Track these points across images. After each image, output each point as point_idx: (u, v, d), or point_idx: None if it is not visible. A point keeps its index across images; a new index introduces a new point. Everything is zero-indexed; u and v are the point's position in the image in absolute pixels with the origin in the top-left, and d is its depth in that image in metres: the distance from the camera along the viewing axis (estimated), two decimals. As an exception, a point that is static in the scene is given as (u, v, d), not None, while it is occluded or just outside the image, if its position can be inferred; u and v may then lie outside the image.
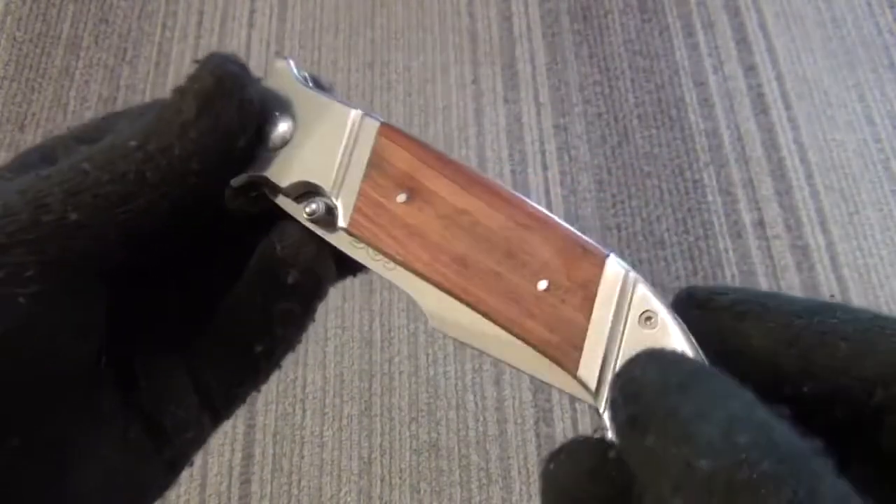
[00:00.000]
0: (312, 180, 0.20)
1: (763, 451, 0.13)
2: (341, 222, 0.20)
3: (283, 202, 0.21)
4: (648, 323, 0.18)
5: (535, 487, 0.69)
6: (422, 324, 0.75)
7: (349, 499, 0.69)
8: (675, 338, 0.18)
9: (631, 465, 0.16)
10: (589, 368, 0.18)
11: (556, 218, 0.20)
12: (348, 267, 0.22)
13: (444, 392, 0.73)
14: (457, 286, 0.19)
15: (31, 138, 0.87)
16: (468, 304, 0.19)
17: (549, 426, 0.71)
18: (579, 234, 0.19)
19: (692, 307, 0.19)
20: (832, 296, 0.76)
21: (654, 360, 0.16)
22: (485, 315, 0.19)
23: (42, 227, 0.17)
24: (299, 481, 0.70)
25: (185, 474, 0.71)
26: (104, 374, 0.19)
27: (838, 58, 0.89)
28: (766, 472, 0.13)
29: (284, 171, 0.20)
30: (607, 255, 0.19)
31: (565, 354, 0.18)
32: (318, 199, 0.21)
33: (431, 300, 0.20)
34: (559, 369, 0.19)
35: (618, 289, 0.18)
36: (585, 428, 0.71)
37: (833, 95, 0.87)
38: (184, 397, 0.21)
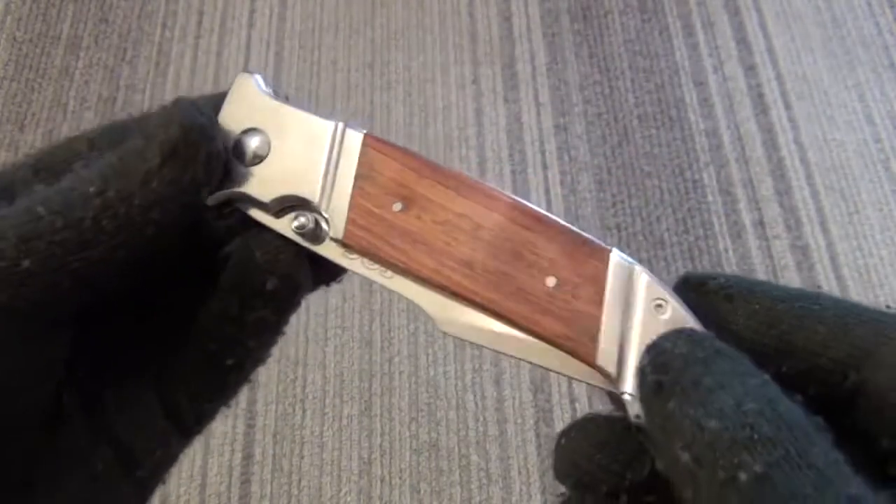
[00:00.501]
0: (297, 193, 0.20)
1: (766, 418, 0.15)
2: (336, 234, 0.20)
3: (262, 217, 0.21)
4: (660, 310, 0.19)
5: (535, 487, 0.69)
6: (422, 324, 0.75)
7: (349, 499, 0.69)
8: (687, 322, 0.19)
9: (650, 428, 0.17)
10: (607, 357, 0.19)
11: (554, 217, 0.20)
12: (325, 275, 0.22)
13: (444, 392, 0.73)
14: (466, 289, 0.20)
15: (31, 138, 0.87)
16: (478, 306, 0.20)
17: (549, 426, 0.71)
18: (579, 231, 0.20)
19: (688, 291, 0.20)
20: (818, 286, 0.76)
21: (684, 336, 0.18)
22: (496, 315, 0.19)
23: None
24: (299, 481, 0.70)
25: (185, 474, 0.71)
26: (68, 404, 0.19)
27: (838, 58, 0.89)
28: (765, 434, 0.14)
29: (266, 187, 0.20)
30: (610, 250, 0.19)
31: (582, 346, 0.19)
32: (304, 212, 0.20)
33: (436, 305, 0.20)
34: (575, 361, 0.19)
35: (625, 280, 0.19)
36: (585, 428, 0.71)
37: (833, 95, 0.87)
38: (152, 420, 0.21)
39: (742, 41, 0.90)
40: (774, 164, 0.83)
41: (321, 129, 0.20)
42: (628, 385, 0.19)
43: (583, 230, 0.20)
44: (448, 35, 0.92)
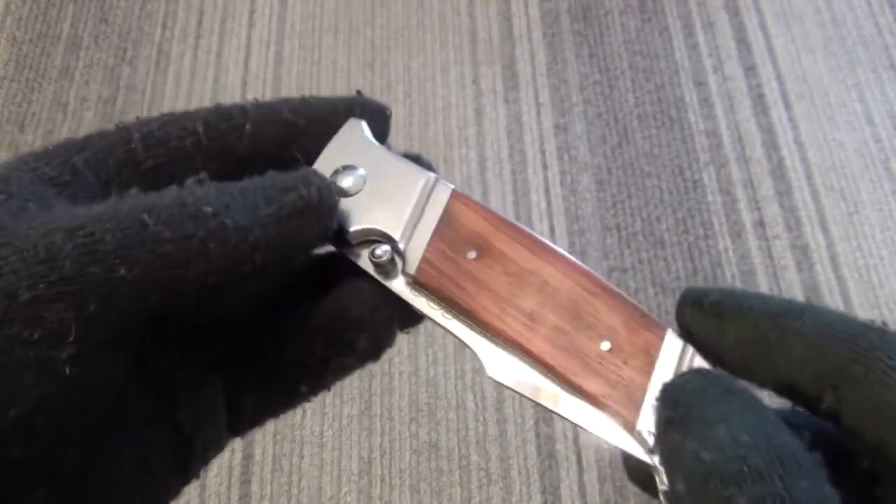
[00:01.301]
0: (381, 228, 0.21)
1: (759, 451, 0.15)
2: (409, 269, 0.21)
3: (344, 246, 0.22)
4: None
5: (535, 487, 0.69)
6: (422, 324, 0.75)
7: (349, 499, 0.69)
8: None
9: (661, 459, 0.18)
10: (647, 425, 0.20)
11: (620, 291, 0.21)
12: (404, 321, 0.23)
13: (444, 392, 0.73)
14: (522, 337, 0.21)
15: (31, 138, 0.87)
16: (530, 356, 0.20)
17: (548, 426, 0.71)
18: (642, 307, 0.21)
19: (685, 306, 0.20)
20: (818, 286, 0.76)
21: (697, 375, 0.18)
22: (545, 367, 0.20)
23: (87, 278, 0.15)
24: (299, 481, 0.70)
25: (185, 474, 0.71)
26: (133, 390, 0.19)
27: (838, 58, 0.89)
28: (755, 467, 0.15)
29: (353, 218, 0.21)
30: (666, 329, 0.20)
31: (626, 411, 0.20)
32: (384, 245, 0.21)
33: (489, 352, 0.21)
34: (613, 424, 0.20)
35: (676, 358, 0.20)
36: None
37: (833, 95, 0.87)
38: (216, 415, 0.21)
39: (742, 41, 0.90)
40: (774, 164, 0.83)
41: (416, 177, 0.22)
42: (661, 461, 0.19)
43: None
44: (448, 35, 0.92)
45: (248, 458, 0.71)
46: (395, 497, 0.69)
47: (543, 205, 0.81)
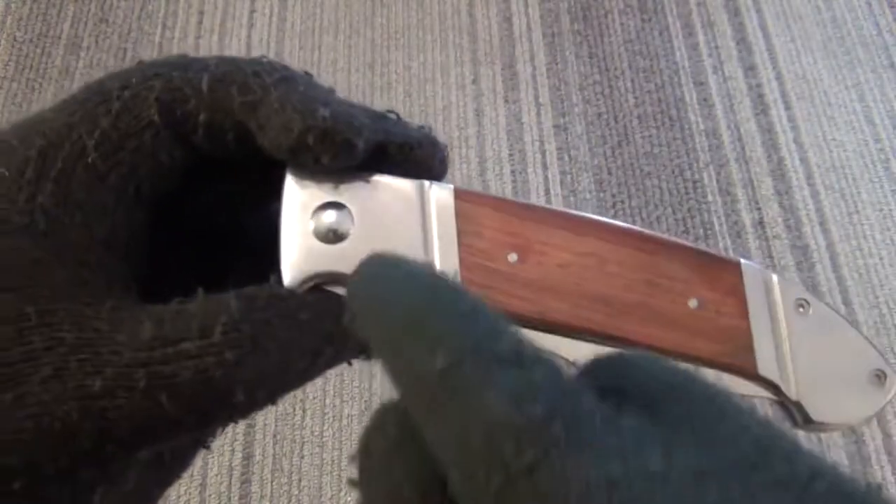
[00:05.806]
0: None
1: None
2: None
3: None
4: (802, 309, 0.19)
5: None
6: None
7: (349, 499, 0.69)
8: (834, 319, 0.19)
9: None
10: (767, 366, 0.19)
11: (674, 238, 0.20)
12: None
13: (444, 392, 0.73)
14: (608, 326, 0.19)
15: (31, 138, 0.87)
16: (624, 342, 0.19)
17: (549, 426, 0.71)
18: (703, 247, 0.20)
19: None
20: (818, 286, 0.76)
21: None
22: (646, 347, 0.19)
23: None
24: (299, 481, 0.70)
25: (185, 474, 0.71)
26: None
27: (838, 58, 0.89)
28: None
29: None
30: (739, 261, 0.19)
31: (740, 359, 0.19)
32: None
33: (581, 351, 0.19)
34: (733, 376, 0.19)
35: (762, 287, 0.19)
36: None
37: (833, 95, 0.87)
38: None
39: (742, 41, 0.90)
40: (774, 164, 0.83)
41: (406, 191, 0.19)
42: (794, 390, 0.18)
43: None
44: (448, 35, 0.92)
45: (248, 458, 0.71)
46: (395, 497, 0.69)
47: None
